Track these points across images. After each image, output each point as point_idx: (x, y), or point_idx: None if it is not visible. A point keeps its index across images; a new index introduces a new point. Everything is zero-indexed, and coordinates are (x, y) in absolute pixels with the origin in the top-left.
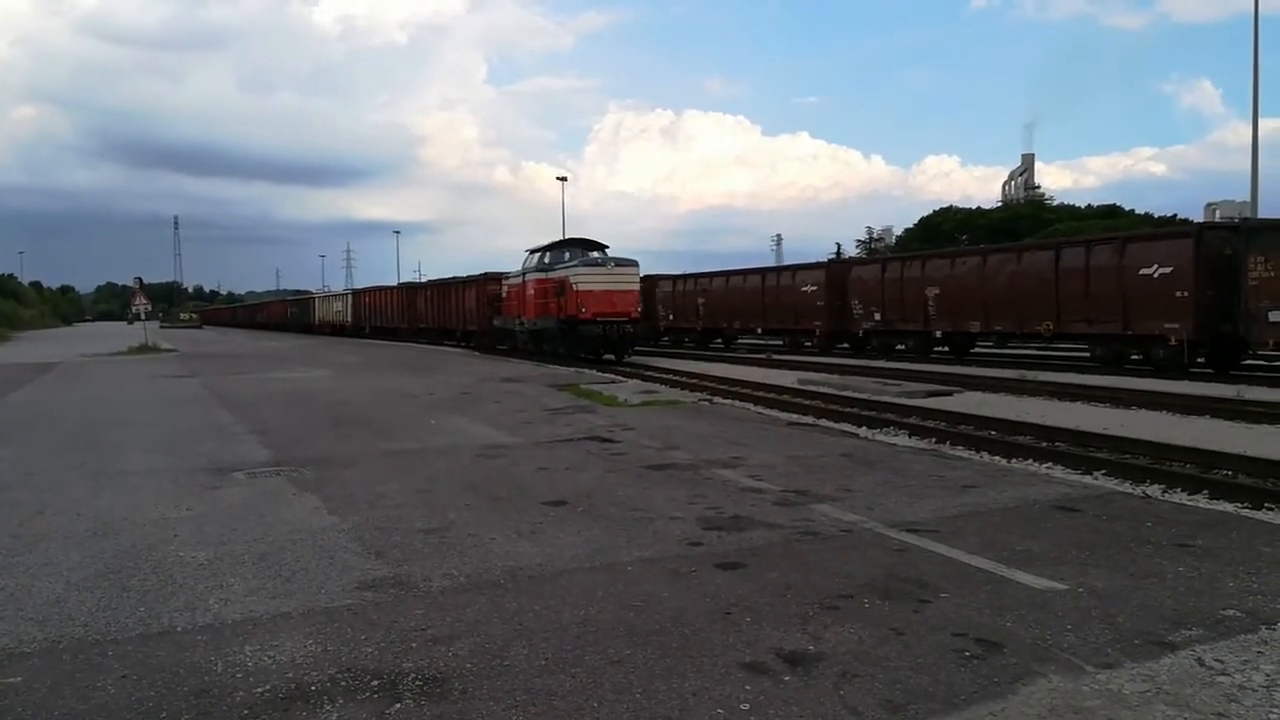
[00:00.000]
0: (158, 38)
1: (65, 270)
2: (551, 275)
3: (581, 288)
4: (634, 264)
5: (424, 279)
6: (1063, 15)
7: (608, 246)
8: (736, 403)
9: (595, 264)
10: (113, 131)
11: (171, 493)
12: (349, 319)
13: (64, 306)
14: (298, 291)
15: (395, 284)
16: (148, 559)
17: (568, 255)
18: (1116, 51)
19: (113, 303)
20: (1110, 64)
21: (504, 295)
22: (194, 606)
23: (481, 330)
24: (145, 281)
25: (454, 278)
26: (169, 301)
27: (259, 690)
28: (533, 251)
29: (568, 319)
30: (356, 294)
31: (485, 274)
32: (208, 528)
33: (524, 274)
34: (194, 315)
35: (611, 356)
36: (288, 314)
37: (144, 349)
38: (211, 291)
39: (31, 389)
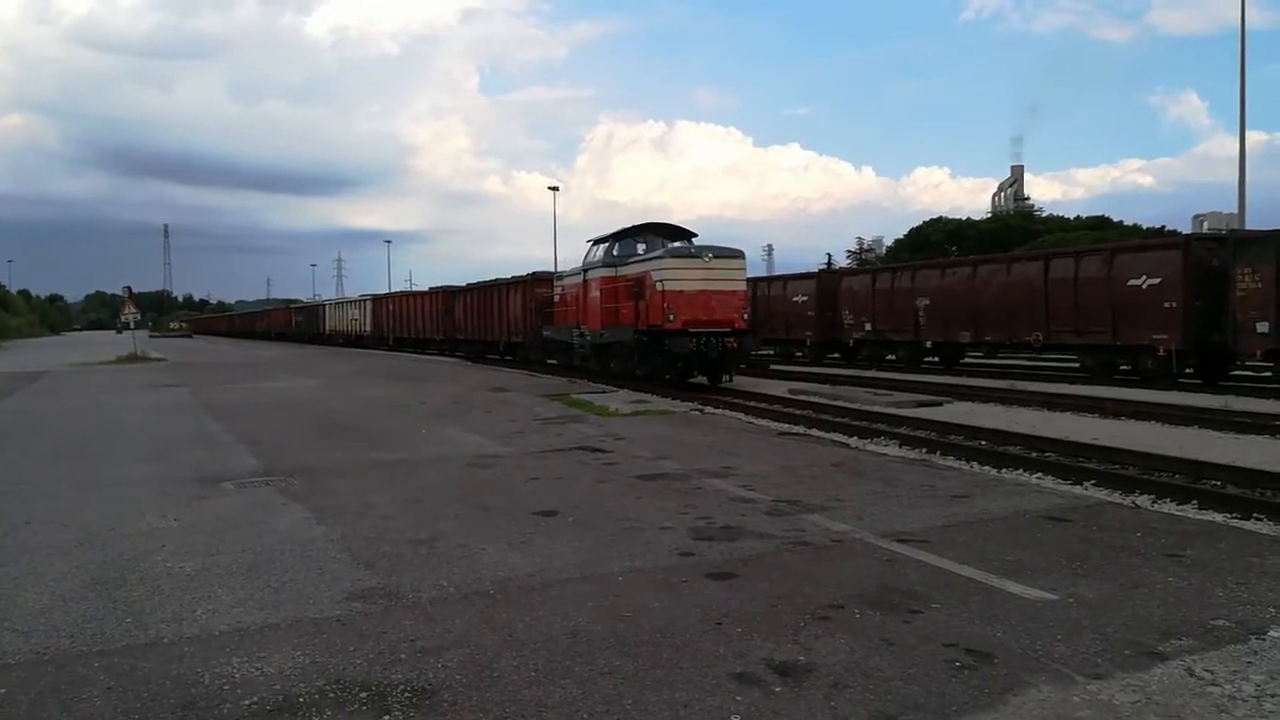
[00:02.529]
0: (147, 46)
1: (54, 279)
2: (625, 271)
3: (669, 287)
4: (738, 255)
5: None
6: (1050, 28)
7: (695, 234)
8: (728, 412)
9: (687, 255)
10: (101, 140)
11: (159, 503)
12: (367, 328)
13: (52, 315)
14: (288, 300)
15: (426, 288)
16: (135, 570)
17: (641, 246)
18: (1104, 64)
19: (102, 312)
20: (1098, 76)
21: (556, 300)
22: (181, 617)
23: (528, 342)
24: (134, 290)
25: (495, 280)
26: (159, 310)
27: (246, 702)
28: (596, 242)
29: (649, 329)
30: (378, 300)
31: (533, 274)
32: (195, 538)
33: (584, 271)
34: (184, 324)
35: (704, 379)
36: (292, 323)
37: (133, 358)
38: (202, 300)
39: (19, 398)
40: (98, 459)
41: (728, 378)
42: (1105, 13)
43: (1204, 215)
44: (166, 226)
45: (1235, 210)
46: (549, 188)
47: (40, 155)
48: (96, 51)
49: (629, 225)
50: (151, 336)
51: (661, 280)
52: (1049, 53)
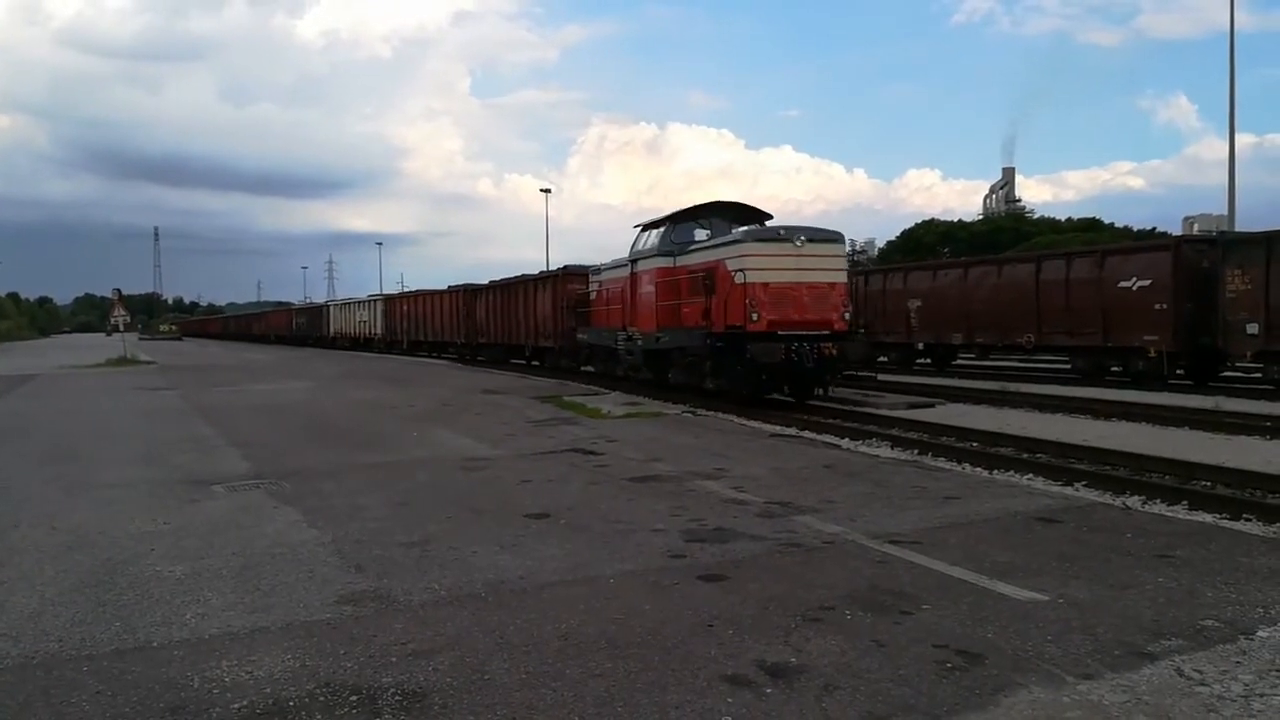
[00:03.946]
0: (136, 48)
1: (43, 281)
2: (689, 261)
3: (752, 278)
4: (837, 238)
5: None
6: (1040, 31)
7: (770, 215)
8: (720, 414)
9: (774, 239)
10: (91, 142)
11: (149, 506)
12: (378, 331)
13: (42, 318)
14: (279, 303)
15: (445, 287)
16: (124, 573)
17: (699, 233)
18: (1094, 67)
19: (91, 314)
20: (1088, 79)
21: (593, 297)
22: (171, 621)
23: (559, 346)
24: (124, 293)
25: (521, 276)
26: (148, 313)
27: (236, 706)
28: (646, 227)
29: (726, 332)
30: (390, 300)
31: (565, 268)
32: (186, 541)
33: (632, 262)
34: (174, 327)
35: (792, 397)
36: (293, 325)
37: (123, 361)
38: (192, 303)
39: (8, 401)
40: (87, 462)
41: (821, 392)
42: (1095, 16)
43: (1194, 217)
44: (157, 229)
45: (1225, 212)
46: (541, 190)
47: (29, 157)
48: (85, 53)
49: (690, 206)
50: (141, 339)
51: (742, 270)
52: (1039, 56)
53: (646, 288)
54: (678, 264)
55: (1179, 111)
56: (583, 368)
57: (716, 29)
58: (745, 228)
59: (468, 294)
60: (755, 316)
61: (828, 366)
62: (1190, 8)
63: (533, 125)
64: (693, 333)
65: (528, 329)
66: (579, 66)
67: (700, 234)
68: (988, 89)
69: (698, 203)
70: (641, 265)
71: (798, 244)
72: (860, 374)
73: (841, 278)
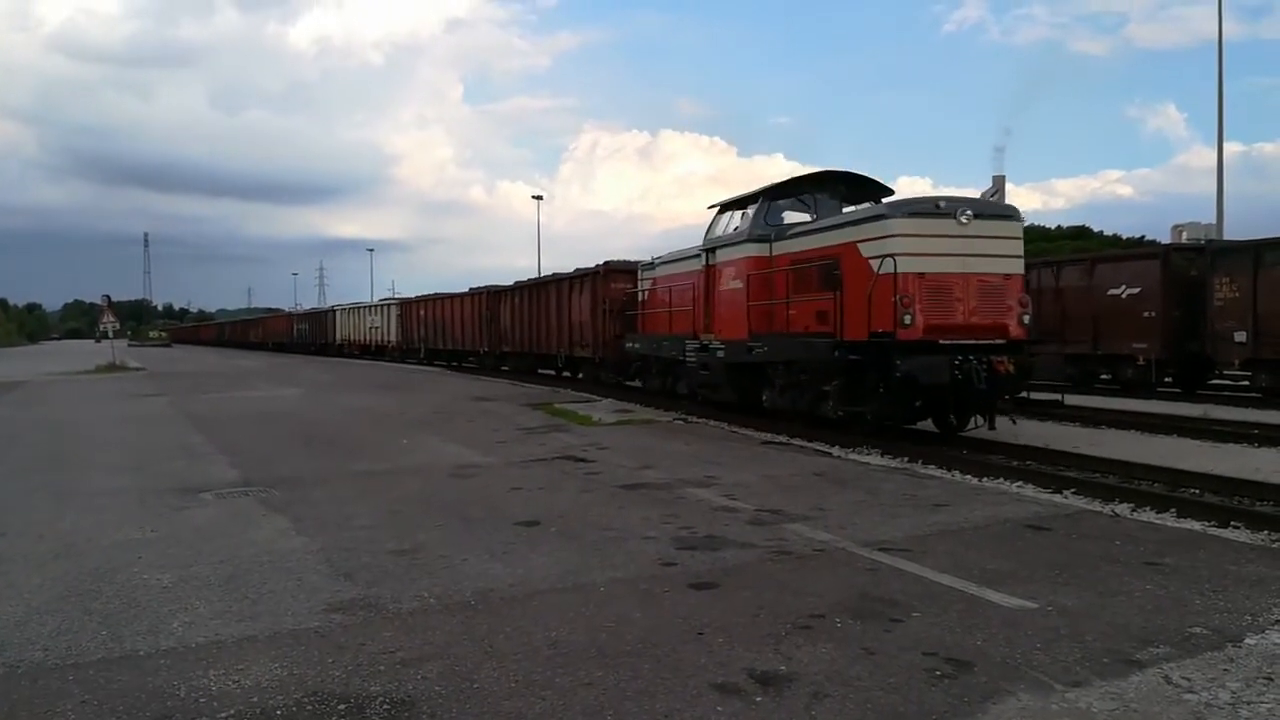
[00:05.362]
0: (127, 54)
1: (32, 288)
2: (795, 247)
3: (905, 266)
4: (1013, 214)
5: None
6: (1029, 40)
7: (891, 190)
8: (711, 421)
9: (930, 214)
10: (80, 148)
11: (137, 514)
12: (392, 338)
13: (30, 325)
14: (269, 310)
15: (467, 290)
16: (111, 581)
17: (790, 215)
18: (1083, 76)
19: (80, 321)
20: (1078, 88)
21: (644, 298)
22: (157, 630)
23: (600, 357)
24: (113, 299)
25: (553, 275)
26: (138, 319)
27: (222, 715)
28: (726, 207)
29: (870, 340)
30: (406, 305)
31: (606, 263)
32: (173, 549)
33: (707, 252)
34: (164, 334)
35: (938, 428)
36: (294, 331)
37: (112, 367)
38: (181, 310)
39: None
40: (75, 470)
41: (985, 423)
42: (1084, 26)
43: (1183, 225)
44: (147, 235)
45: (1213, 220)
46: (533, 196)
47: (19, 163)
48: (75, 59)
49: (789, 178)
50: (130, 345)
51: (889, 255)
52: (1029, 64)
53: (732, 284)
54: (777, 252)
55: (1168, 120)
56: (628, 382)
57: (708, 37)
58: (886, 201)
59: (491, 296)
60: (908, 319)
61: (1002, 387)
62: (1178, 17)
63: (525, 132)
64: (808, 341)
65: (561, 336)
66: (571, 73)
67: (794, 216)
68: (978, 97)
69: (798, 174)
70: (724, 254)
71: (962, 220)
72: (1032, 397)
73: (1018, 267)
